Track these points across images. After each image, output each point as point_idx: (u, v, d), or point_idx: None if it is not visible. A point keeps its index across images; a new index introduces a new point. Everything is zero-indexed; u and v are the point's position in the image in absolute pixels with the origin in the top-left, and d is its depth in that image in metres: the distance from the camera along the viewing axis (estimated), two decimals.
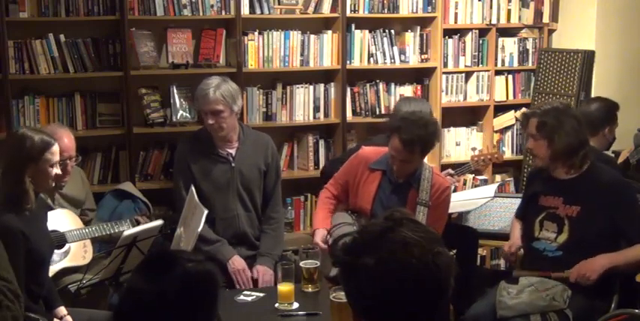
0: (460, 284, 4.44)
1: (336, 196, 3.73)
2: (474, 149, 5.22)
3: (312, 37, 4.77)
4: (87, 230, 3.58)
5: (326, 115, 4.90)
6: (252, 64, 4.66)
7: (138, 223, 3.66)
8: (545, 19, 5.27)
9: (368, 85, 4.97)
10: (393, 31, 4.96)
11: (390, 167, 3.55)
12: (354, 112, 4.96)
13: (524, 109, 5.26)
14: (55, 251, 3.32)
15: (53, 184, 3.06)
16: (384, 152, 3.58)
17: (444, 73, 5.07)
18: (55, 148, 2.96)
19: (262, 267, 3.81)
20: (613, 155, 4.42)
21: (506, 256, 3.56)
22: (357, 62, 4.90)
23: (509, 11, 5.21)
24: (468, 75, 5.18)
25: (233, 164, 3.88)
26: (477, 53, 5.16)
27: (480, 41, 5.17)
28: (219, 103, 3.78)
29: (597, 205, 3.23)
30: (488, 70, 5.20)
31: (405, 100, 4.38)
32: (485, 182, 5.12)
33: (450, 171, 4.36)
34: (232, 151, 3.91)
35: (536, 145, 3.36)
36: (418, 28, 5.01)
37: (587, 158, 3.32)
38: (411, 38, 4.99)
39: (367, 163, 3.62)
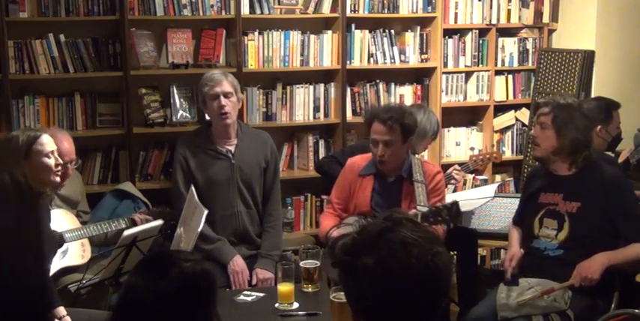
0: (464, 286, 4.42)
1: (338, 215, 3.77)
2: (472, 149, 5.23)
3: (312, 37, 4.77)
4: (85, 230, 3.58)
5: (326, 115, 4.90)
6: (252, 64, 4.66)
7: (134, 222, 3.67)
8: (545, 19, 5.27)
9: (368, 85, 4.98)
10: (393, 31, 4.96)
11: (378, 168, 3.62)
12: (354, 112, 4.96)
13: (524, 109, 5.29)
14: None
15: (57, 178, 2.99)
16: (370, 157, 3.68)
17: (444, 73, 5.07)
18: (44, 139, 2.90)
19: (262, 270, 3.83)
20: (613, 155, 4.41)
21: (506, 268, 3.44)
22: (357, 62, 4.90)
23: (509, 11, 5.21)
24: (468, 75, 5.18)
25: (233, 161, 3.90)
26: (477, 53, 5.16)
27: (480, 41, 5.17)
28: (230, 86, 3.86)
29: (597, 202, 3.23)
30: (488, 70, 5.20)
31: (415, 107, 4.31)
32: (485, 182, 5.12)
33: (457, 167, 4.41)
34: (231, 148, 3.92)
35: (541, 135, 3.34)
36: (418, 28, 5.01)
37: (589, 159, 3.32)
38: (411, 38, 4.99)
39: (357, 171, 3.70)
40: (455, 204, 3.32)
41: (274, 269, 3.79)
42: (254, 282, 3.80)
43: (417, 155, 3.96)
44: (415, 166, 3.60)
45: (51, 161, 2.90)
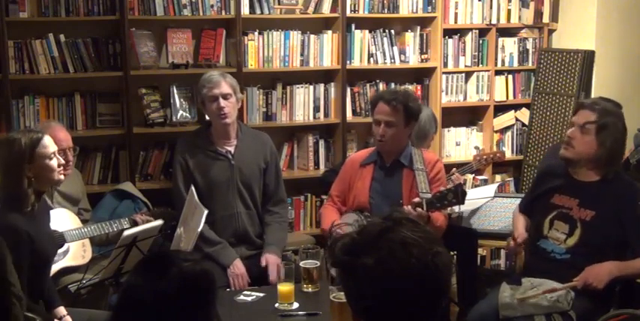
0: (464, 286, 4.41)
1: (338, 208, 3.78)
2: (476, 148, 5.23)
3: (312, 37, 4.77)
4: (86, 230, 3.58)
5: (326, 115, 4.90)
6: (252, 64, 4.66)
7: (135, 222, 3.67)
8: (545, 19, 5.27)
9: (368, 85, 4.98)
10: (393, 31, 4.96)
11: (379, 155, 3.66)
12: (354, 112, 4.96)
13: (524, 109, 5.28)
14: None
15: (62, 176, 3.03)
16: (372, 150, 3.73)
17: (444, 73, 5.07)
18: (46, 141, 2.93)
19: (270, 255, 3.83)
20: None
21: (511, 249, 3.48)
22: (357, 62, 4.90)
23: (509, 11, 5.20)
24: (468, 75, 5.18)
25: (232, 161, 3.90)
26: (477, 53, 5.16)
27: (480, 41, 5.16)
28: (228, 87, 3.87)
29: (612, 213, 3.20)
30: (488, 70, 5.20)
31: None
32: (485, 182, 5.11)
33: (455, 170, 4.44)
34: (231, 149, 3.93)
35: (580, 138, 3.27)
36: (418, 28, 5.01)
37: (618, 171, 3.29)
38: (411, 38, 4.99)
39: (358, 163, 3.73)
40: (459, 186, 3.31)
41: (281, 255, 3.82)
42: (263, 264, 3.80)
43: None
44: (415, 156, 3.62)
45: (54, 162, 2.96)
